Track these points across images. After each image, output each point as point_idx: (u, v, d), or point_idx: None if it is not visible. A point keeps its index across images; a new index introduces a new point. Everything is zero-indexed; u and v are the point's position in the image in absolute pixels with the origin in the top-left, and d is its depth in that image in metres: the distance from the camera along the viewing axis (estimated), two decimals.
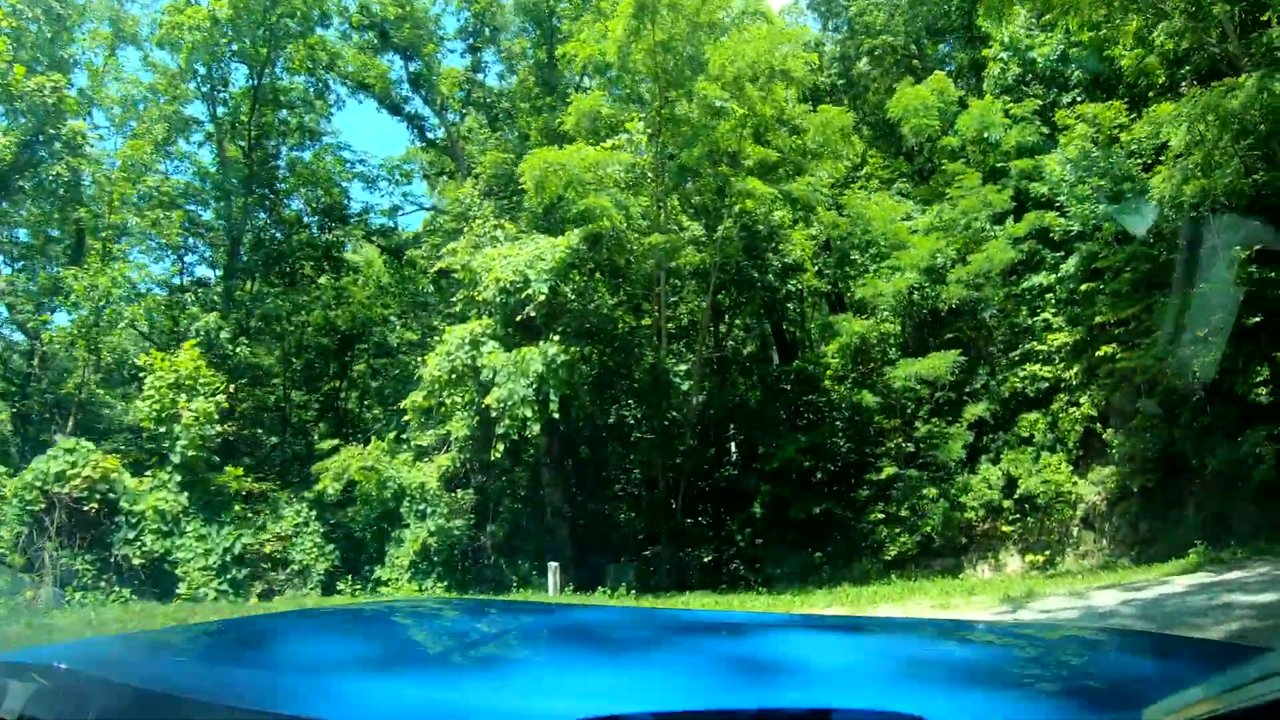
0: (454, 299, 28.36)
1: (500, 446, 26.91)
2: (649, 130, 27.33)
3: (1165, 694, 1.63)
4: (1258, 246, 20.66)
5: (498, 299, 25.52)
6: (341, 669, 2.03)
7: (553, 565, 24.36)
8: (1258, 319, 20.73)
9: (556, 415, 24.50)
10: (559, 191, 26.34)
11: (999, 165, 28.94)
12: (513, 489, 31.13)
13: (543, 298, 25.72)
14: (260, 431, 37.15)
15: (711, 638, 2.66)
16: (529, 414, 25.04)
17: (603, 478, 32.61)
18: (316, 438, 33.39)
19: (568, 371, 25.39)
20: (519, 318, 26.03)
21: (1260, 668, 1.80)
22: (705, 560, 30.89)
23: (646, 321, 29.89)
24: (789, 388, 30.78)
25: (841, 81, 36.86)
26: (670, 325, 32.07)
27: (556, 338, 25.70)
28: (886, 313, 28.19)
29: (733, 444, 33.85)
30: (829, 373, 29.12)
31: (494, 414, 25.20)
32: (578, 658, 2.33)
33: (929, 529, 26.54)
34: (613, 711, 1.47)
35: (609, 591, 24.80)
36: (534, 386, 25.06)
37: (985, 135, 29.11)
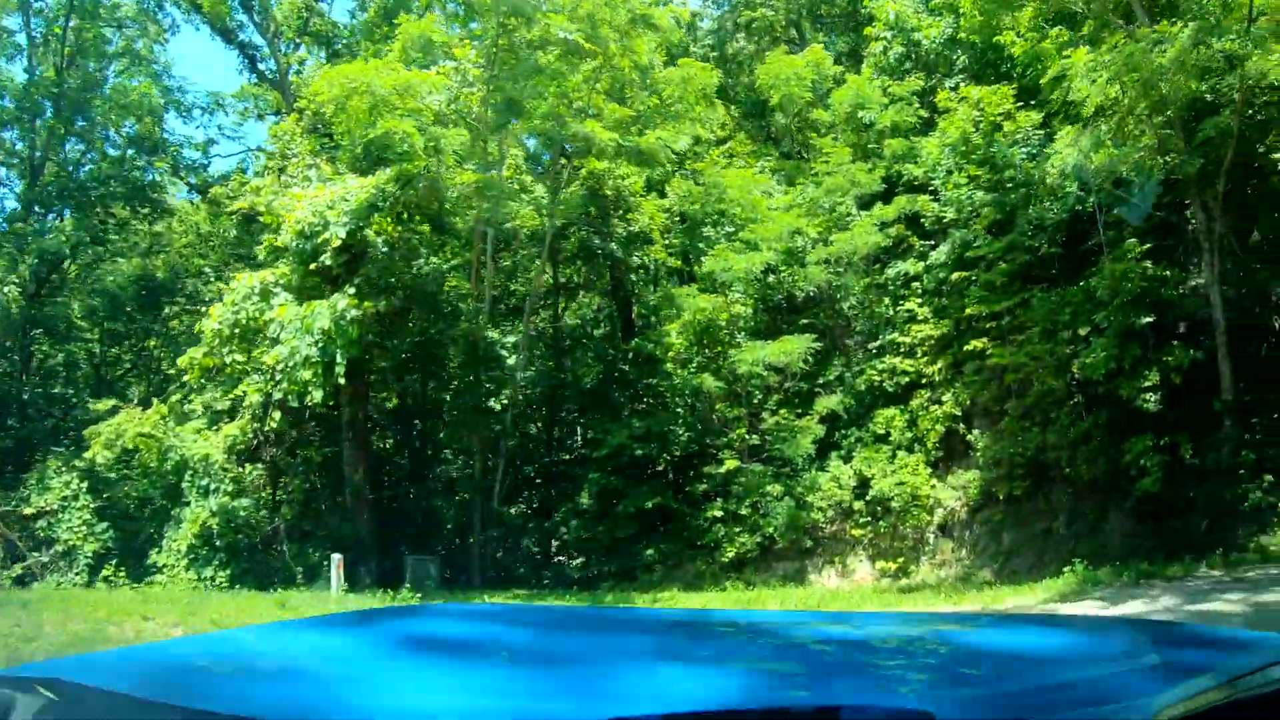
0: (260, 245, 23.87)
1: (277, 414, 21.68)
2: (483, 61, 22.35)
3: (1176, 683, 1.54)
4: (1148, 246, 18.20)
5: (295, 244, 21.53)
6: (353, 676, 1.87)
7: (335, 557, 19.99)
8: (1149, 319, 17.92)
9: (342, 381, 20.92)
10: (366, 119, 21.24)
11: (872, 146, 25.35)
12: (309, 466, 25.69)
13: (339, 242, 21.36)
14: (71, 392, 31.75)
15: (715, 636, 2.55)
16: (309, 377, 20.59)
17: (418, 457, 28.46)
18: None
19: (358, 330, 20.82)
20: (314, 265, 21.61)
21: (1270, 654, 1.64)
22: (533, 553, 27.02)
23: (454, 283, 24.83)
24: (627, 368, 26.23)
25: (715, 54, 32.65)
26: (499, 291, 27.25)
27: (352, 290, 21.02)
28: (738, 294, 24.10)
29: (578, 428, 29.14)
30: (671, 354, 24.87)
31: (277, 376, 19.92)
32: (593, 659, 2.12)
33: (772, 529, 23.09)
34: (620, 714, 1.32)
35: (411, 589, 20.80)
36: (319, 345, 20.54)
37: (860, 114, 25.59)
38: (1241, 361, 17.49)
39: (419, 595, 19.52)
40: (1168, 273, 17.79)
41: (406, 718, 1.47)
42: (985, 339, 20.70)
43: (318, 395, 20.87)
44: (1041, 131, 20.49)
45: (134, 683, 1.63)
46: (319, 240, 21.40)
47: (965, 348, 20.97)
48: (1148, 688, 1.55)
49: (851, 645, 2.26)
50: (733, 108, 32.64)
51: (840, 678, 1.80)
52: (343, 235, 21.30)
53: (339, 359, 20.64)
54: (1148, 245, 17.91)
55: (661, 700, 1.52)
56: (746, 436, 23.88)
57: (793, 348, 22.49)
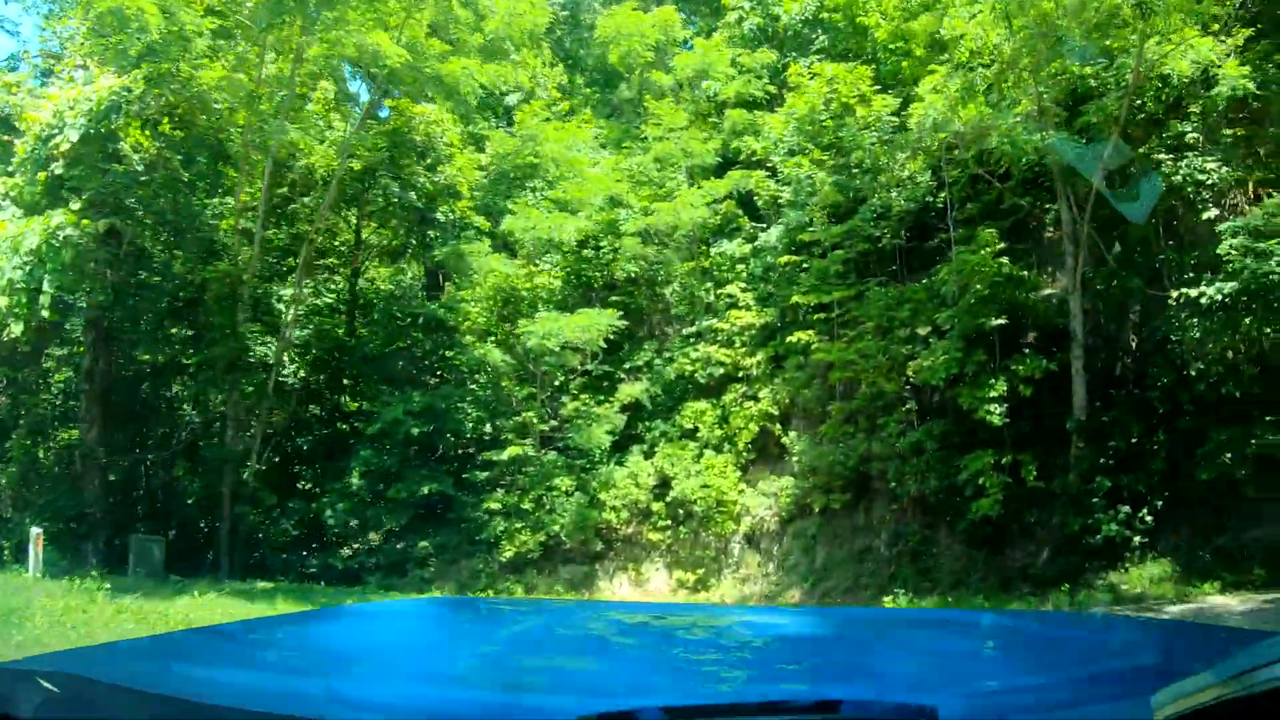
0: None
1: None
2: None
3: (1175, 679, 1.40)
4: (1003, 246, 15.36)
5: (31, 150, 17.43)
6: (354, 671, 1.86)
7: (35, 531, 16.21)
8: (1000, 321, 15.08)
9: (45, 314, 16.81)
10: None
11: (713, 120, 22.26)
12: (34, 422, 20.06)
13: (68, 146, 16.89)
14: None
15: (722, 629, 2.51)
16: (6, 304, 16.43)
17: (166, 420, 23.78)
18: None
19: (74, 254, 16.62)
20: (43, 175, 17.28)
21: (1270, 653, 1.29)
22: (296, 538, 22.30)
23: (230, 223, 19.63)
24: (420, 336, 21.53)
25: (565, 13, 28.34)
26: (286, 239, 21.94)
27: (76, 207, 16.88)
28: (549, 264, 19.75)
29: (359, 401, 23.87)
30: (467, 324, 20.13)
31: None
32: (595, 654, 2.13)
33: (558, 528, 19.35)
34: (620, 706, 1.30)
35: (138, 573, 17.26)
36: (25, 269, 16.29)
37: (705, 83, 21.69)
38: (1098, 379, 14.41)
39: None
40: (1025, 273, 14.50)
41: (398, 709, 1.44)
42: (812, 332, 17.08)
43: (17, 329, 16.79)
44: (896, 119, 17.37)
45: (135, 675, 1.59)
46: (50, 145, 17.02)
47: (788, 339, 17.48)
48: (1148, 684, 1.43)
49: (853, 640, 2.21)
50: (579, 79, 28.25)
51: (842, 672, 1.78)
52: (74, 139, 16.87)
53: (46, 286, 16.44)
54: (1002, 245, 14.56)
55: (661, 693, 1.49)
56: (535, 421, 19.49)
57: (591, 323, 18.49)
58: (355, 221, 24.32)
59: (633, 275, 20.90)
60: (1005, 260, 14.82)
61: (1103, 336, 15.42)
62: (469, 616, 2.76)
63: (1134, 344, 15.19)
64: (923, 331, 15.64)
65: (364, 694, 1.53)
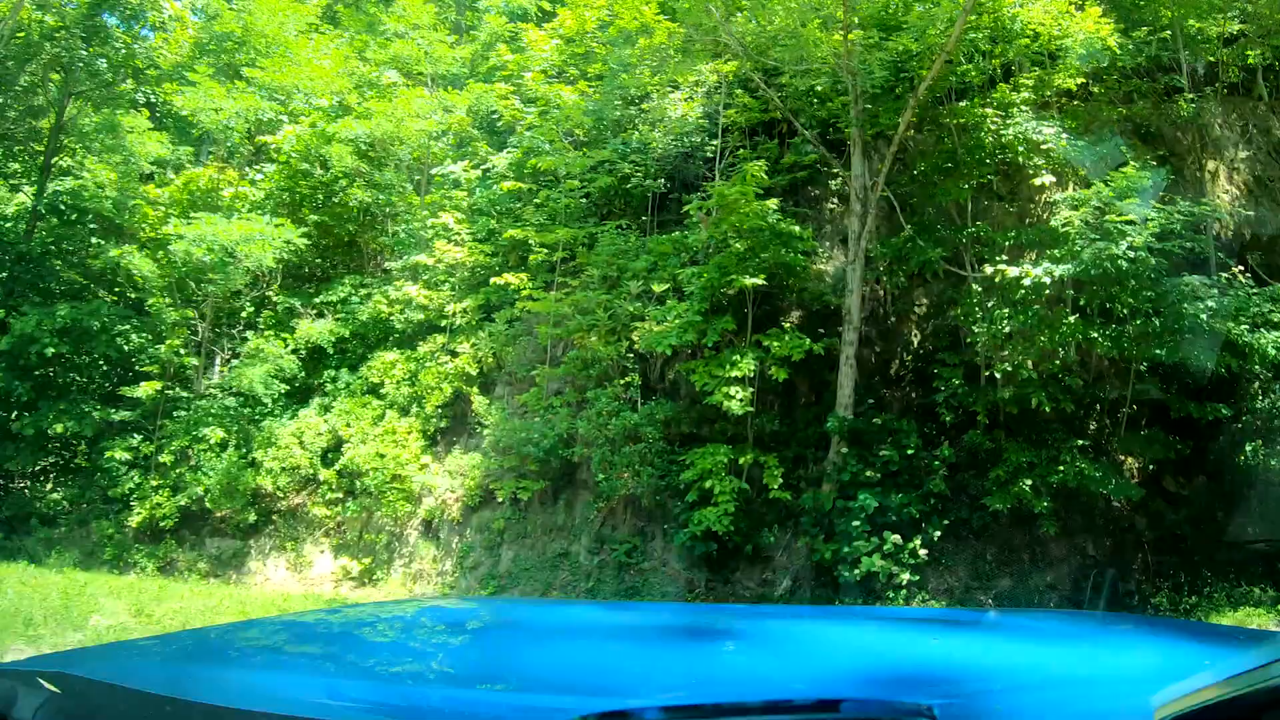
0: None
1: None
2: None
3: (1176, 679, 1.41)
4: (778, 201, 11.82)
5: None
6: (351, 671, 1.73)
7: None
8: (756, 282, 11.36)
9: None
10: None
11: (472, 32, 16.84)
12: None
13: None
14: None
15: (722, 628, 2.35)
16: None
17: None
18: None
19: None
20: None
21: (1270, 652, 1.51)
22: None
23: None
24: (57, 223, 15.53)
25: None
26: None
27: None
28: (227, 153, 14.33)
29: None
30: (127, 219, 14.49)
31: None
32: (595, 653, 1.99)
33: (203, 490, 14.30)
34: (619, 706, 1.23)
35: None
36: None
37: None
38: (875, 372, 10.44)
39: None
40: (796, 227, 10.22)
41: (398, 710, 1.36)
42: (525, 275, 12.33)
43: None
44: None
45: (135, 676, 1.51)
46: None
47: (494, 282, 13.02)
48: (1148, 683, 1.41)
49: (852, 639, 2.10)
50: None
51: (841, 671, 1.68)
52: None
53: None
54: (775, 203, 10.44)
55: (660, 693, 1.42)
56: (185, 353, 13.78)
57: (253, 232, 12.84)
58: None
59: (353, 196, 15.41)
60: (773, 206, 10.53)
61: (885, 321, 11.47)
62: (470, 617, 2.51)
63: (923, 334, 11.31)
64: (659, 289, 11.17)
65: (364, 694, 1.44)
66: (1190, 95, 11.46)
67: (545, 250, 12.96)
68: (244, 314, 15.61)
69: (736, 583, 11.11)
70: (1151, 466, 10.59)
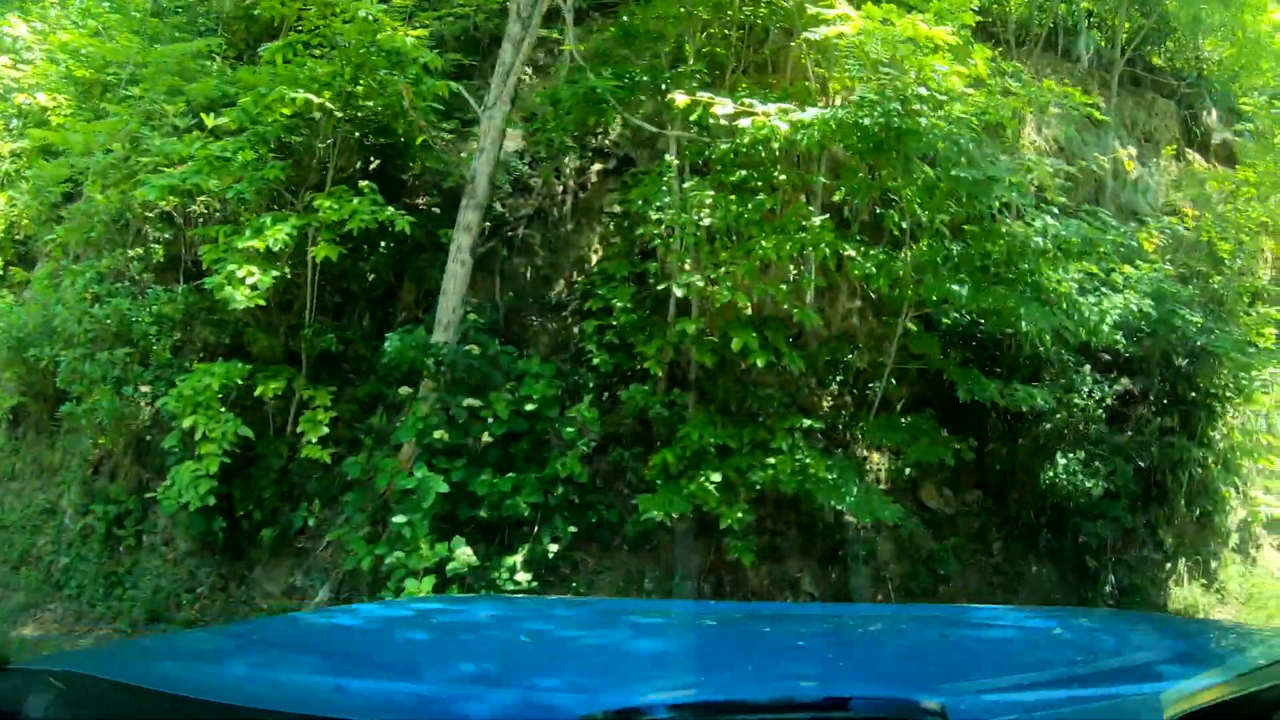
0: None
1: None
2: None
3: (1183, 675, 1.28)
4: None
5: None
6: (359, 669, 1.55)
7: None
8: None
9: None
10: None
11: None
12: None
13: None
14: None
15: (729, 625, 2.11)
16: None
17: None
18: None
19: None
20: None
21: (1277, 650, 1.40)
22: None
23: None
24: None
25: None
26: None
27: None
28: None
29: None
30: None
31: None
32: (602, 651, 1.79)
33: None
34: (627, 703, 1.09)
35: None
36: None
37: None
38: (524, 292, 5.58)
39: None
40: (428, 54, 5.15)
41: (405, 707, 1.22)
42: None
43: None
44: None
45: (144, 675, 1.37)
46: None
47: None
48: (1159, 680, 1.31)
49: (862, 637, 1.90)
50: None
51: (851, 669, 1.54)
52: None
53: None
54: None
55: (667, 690, 1.28)
56: None
57: None
58: None
59: None
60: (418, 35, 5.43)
61: (561, 226, 6.56)
62: (474, 614, 2.22)
63: (608, 246, 6.40)
64: (217, 122, 5.88)
65: (372, 692, 1.28)
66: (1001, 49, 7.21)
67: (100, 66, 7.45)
68: None
69: (252, 583, 6.15)
70: (910, 471, 6.01)
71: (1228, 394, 7.27)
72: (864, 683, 1.35)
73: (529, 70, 7.05)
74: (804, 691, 1.25)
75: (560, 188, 6.86)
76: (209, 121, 6.43)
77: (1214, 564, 7.68)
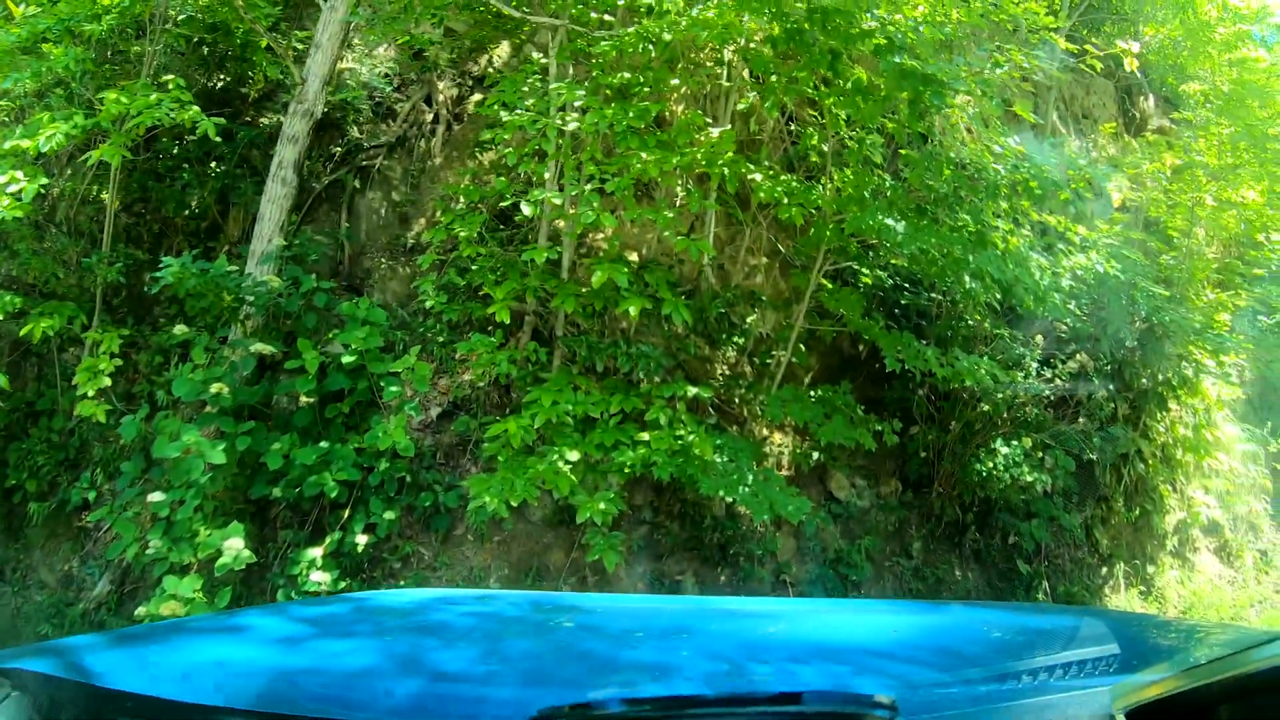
0: None
1: None
2: None
3: (1132, 670, 1.16)
4: None
5: None
6: (308, 664, 1.29)
7: None
8: None
9: None
10: None
11: None
12: None
13: None
14: None
15: (685, 620, 1.83)
16: None
17: None
18: None
19: None
20: None
21: (1228, 644, 1.25)
22: None
23: None
24: None
25: None
26: None
27: None
28: None
29: None
30: None
31: None
32: (557, 646, 1.56)
33: None
34: (581, 699, 0.97)
35: None
36: None
37: None
38: (384, 232, 3.64)
39: None
40: None
41: (362, 704, 1.06)
42: None
43: None
44: None
45: (96, 670, 1.18)
46: None
47: None
48: (1107, 675, 1.15)
49: (816, 631, 1.65)
50: None
51: (805, 664, 1.33)
52: None
53: None
54: None
55: (621, 685, 1.15)
56: None
57: None
58: None
59: None
60: None
61: (430, 158, 4.68)
62: (425, 609, 1.83)
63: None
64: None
65: (317, 686, 1.11)
66: None
67: None
68: None
69: (28, 569, 4.33)
70: (819, 456, 4.34)
71: (1175, 383, 5.75)
72: (817, 677, 1.23)
73: None
74: (757, 686, 1.13)
75: (430, 116, 5.12)
76: (16, 11, 4.62)
77: (1151, 569, 6.16)
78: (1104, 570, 5.97)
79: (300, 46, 5.34)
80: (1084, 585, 5.71)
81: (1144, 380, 5.38)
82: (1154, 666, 1.15)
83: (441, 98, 5.50)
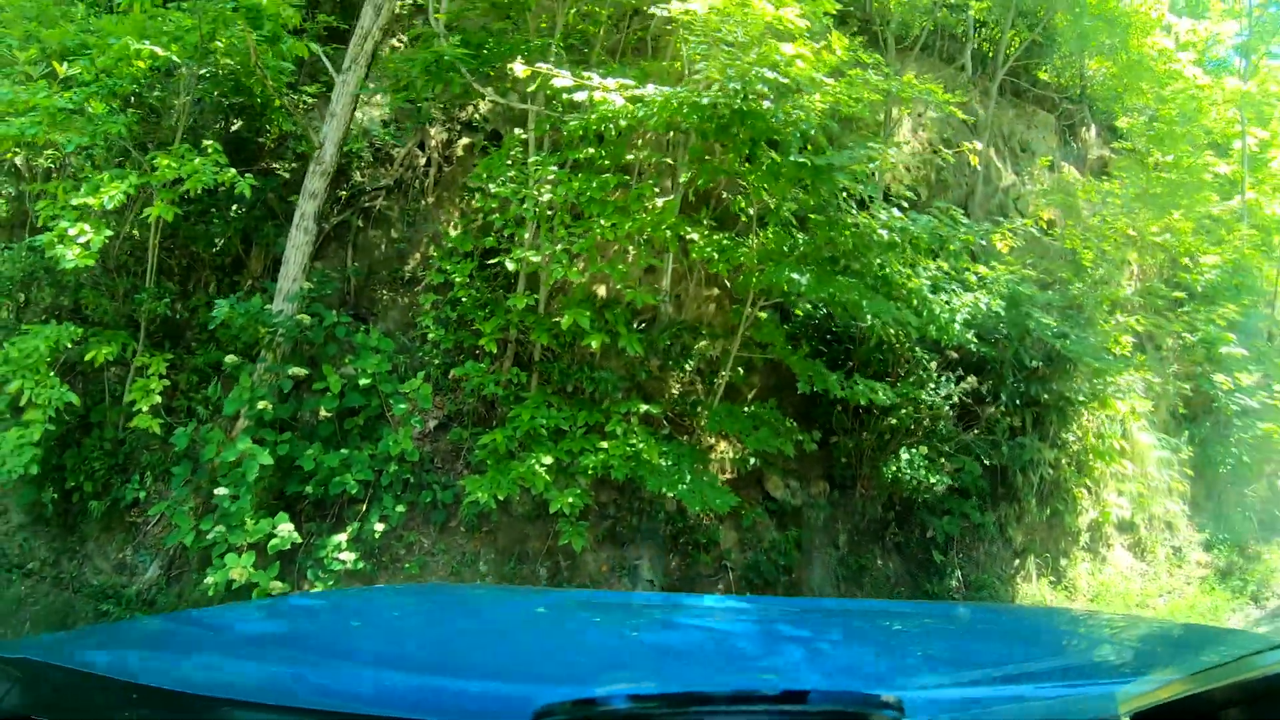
0: None
1: None
2: None
3: (1140, 674, 1.28)
4: None
5: None
6: (313, 659, 1.41)
7: None
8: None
9: None
10: None
11: None
12: None
13: None
14: None
15: (691, 618, 1.98)
16: None
17: None
18: None
19: None
20: None
21: (1235, 649, 1.31)
22: None
23: None
24: None
25: None
26: None
27: None
28: None
29: None
30: None
31: None
32: (561, 641, 1.72)
33: None
34: (585, 694, 1.03)
35: None
36: None
37: None
38: (382, 264, 5.18)
39: None
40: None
41: (363, 697, 1.13)
42: None
43: None
44: None
45: (104, 662, 1.27)
46: None
47: None
48: (1114, 678, 1.24)
49: (822, 631, 1.78)
50: None
51: (811, 663, 1.45)
52: None
53: None
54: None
55: (627, 682, 1.26)
56: None
57: None
58: None
59: None
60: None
61: (421, 200, 6.06)
62: (440, 604, 2.05)
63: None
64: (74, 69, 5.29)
65: (325, 680, 1.20)
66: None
67: None
68: None
69: (84, 559, 5.56)
70: (755, 461, 5.66)
71: (1081, 398, 7.09)
72: (822, 676, 1.32)
73: (405, 40, 6.56)
74: (763, 684, 1.21)
75: (424, 160, 6.37)
76: (60, 71, 5.85)
77: (1064, 562, 7.51)
78: (1016, 562, 7.30)
79: (310, 100, 6.58)
80: (995, 575, 7.05)
81: (1046, 396, 6.72)
82: (1160, 670, 1.21)
83: (433, 142, 6.75)
